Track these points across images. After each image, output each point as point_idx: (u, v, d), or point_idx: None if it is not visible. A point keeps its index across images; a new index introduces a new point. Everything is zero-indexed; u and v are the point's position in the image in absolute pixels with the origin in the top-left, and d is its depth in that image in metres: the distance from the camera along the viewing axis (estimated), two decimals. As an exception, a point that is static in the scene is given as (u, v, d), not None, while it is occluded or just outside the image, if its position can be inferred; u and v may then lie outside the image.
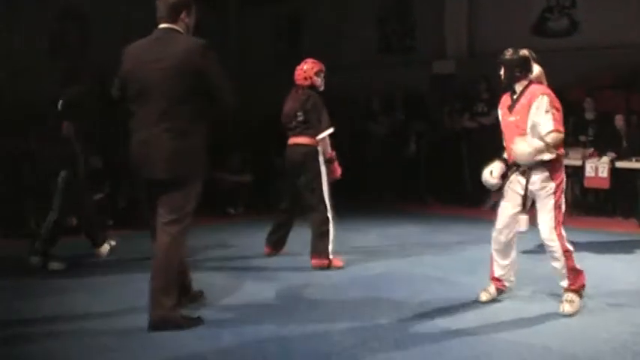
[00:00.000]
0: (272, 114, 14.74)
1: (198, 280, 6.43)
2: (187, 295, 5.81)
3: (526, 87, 6.00)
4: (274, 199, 11.95)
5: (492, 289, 6.22)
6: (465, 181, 12.74)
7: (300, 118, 7.59)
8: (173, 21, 5.34)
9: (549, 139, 5.72)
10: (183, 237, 5.37)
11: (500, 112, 6.27)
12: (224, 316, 5.73)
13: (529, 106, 5.86)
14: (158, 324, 5.19)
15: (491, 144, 12.05)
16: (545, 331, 5.39)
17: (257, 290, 6.59)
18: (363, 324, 5.52)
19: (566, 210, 10.82)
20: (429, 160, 13.47)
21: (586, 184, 10.92)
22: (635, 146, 10.80)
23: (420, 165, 13.53)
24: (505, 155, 6.19)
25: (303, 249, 7.74)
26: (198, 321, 5.44)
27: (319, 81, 7.73)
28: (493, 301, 6.17)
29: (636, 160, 10.35)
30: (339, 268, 7.45)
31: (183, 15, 5.36)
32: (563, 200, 5.91)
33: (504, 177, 6.16)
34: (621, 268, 7.59)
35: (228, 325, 5.48)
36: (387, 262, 7.83)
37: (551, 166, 5.84)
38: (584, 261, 7.79)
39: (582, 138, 11.36)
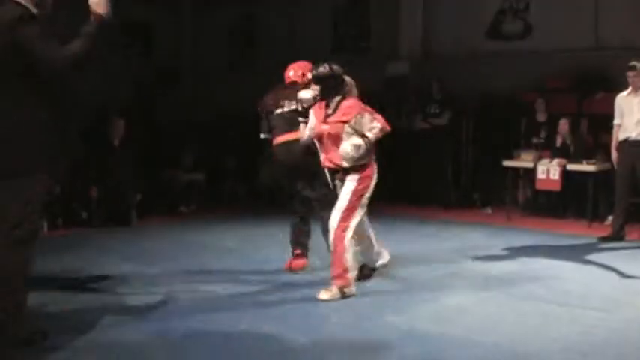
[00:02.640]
0: (225, 113, 14.82)
1: (153, 279, 6.37)
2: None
3: (340, 102, 6.32)
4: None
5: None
6: (415, 180, 12.81)
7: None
8: None
9: (372, 133, 6.23)
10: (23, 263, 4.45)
11: (314, 119, 6.45)
12: (173, 317, 5.69)
13: (344, 122, 6.21)
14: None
15: (442, 144, 12.31)
16: (497, 329, 5.41)
17: (209, 288, 6.55)
18: (315, 323, 5.53)
19: (518, 211, 11.01)
20: (381, 159, 13.46)
21: (537, 186, 10.99)
22: (583, 149, 10.91)
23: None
24: (323, 162, 6.48)
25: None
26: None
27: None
28: (445, 299, 6.20)
29: (586, 163, 10.46)
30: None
31: None
32: (362, 202, 6.28)
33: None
34: (571, 269, 7.65)
35: (177, 321, 5.44)
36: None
37: (362, 170, 6.28)
38: (536, 262, 7.92)
39: (534, 140, 11.43)
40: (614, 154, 9.37)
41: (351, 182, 6.24)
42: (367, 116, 6.28)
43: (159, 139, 13.42)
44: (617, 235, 9.27)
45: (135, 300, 6.11)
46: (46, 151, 4.47)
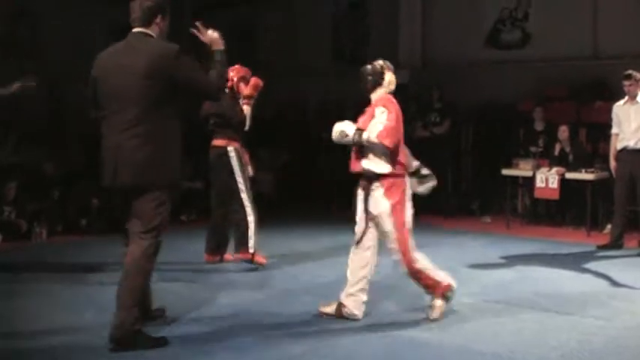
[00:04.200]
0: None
1: (153, 289, 6.39)
2: (147, 313, 5.44)
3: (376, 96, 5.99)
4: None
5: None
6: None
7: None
8: (147, 25, 5.13)
9: (368, 133, 5.65)
10: (151, 250, 5.10)
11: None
12: (180, 326, 5.70)
13: (371, 116, 5.79)
14: (119, 343, 4.92)
15: (442, 153, 12.32)
16: (496, 337, 5.43)
17: (212, 297, 6.56)
18: (315, 330, 5.55)
19: (517, 219, 11.00)
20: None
21: (536, 194, 11.01)
22: (581, 157, 10.94)
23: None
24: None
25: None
26: (161, 341, 5.13)
27: (242, 87, 7.85)
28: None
29: (585, 172, 10.48)
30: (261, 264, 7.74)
31: (158, 19, 5.17)
32: (407, 218, 5.78)
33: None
34: (570, 277, 7.67)
35: (185, 333, 5.45)
36: (338, 269, 7.82)
37: (385, 184, 5.72)
38: (535, 270, 7.94)
39: (532, 149, 11.46)
40: (612, 163, 9.40)
41: (385, 218, 5.75)
42: (384, 116, 5.70)
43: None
44: (615, 244, 9.29)
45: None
46: (177, 166, 5.18)
